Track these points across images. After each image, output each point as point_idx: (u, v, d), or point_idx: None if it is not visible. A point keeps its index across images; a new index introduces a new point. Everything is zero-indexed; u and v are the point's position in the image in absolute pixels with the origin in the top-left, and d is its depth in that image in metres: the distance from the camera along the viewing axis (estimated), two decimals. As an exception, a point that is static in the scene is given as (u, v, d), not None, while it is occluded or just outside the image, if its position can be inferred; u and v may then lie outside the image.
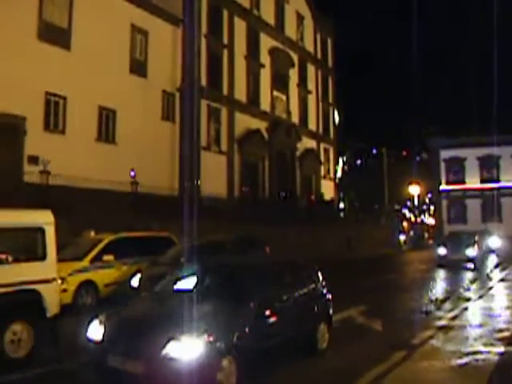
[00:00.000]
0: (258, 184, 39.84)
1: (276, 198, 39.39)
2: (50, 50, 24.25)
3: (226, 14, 37.43)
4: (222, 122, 36.29)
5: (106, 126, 27.34)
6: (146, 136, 28.72)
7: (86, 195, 21.55)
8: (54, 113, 24.44)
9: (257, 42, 40.97)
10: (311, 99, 49.58)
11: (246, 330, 7.77)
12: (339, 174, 59.28)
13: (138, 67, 29.82)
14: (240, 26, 38.78)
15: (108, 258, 14.65)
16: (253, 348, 7.85)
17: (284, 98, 44.55)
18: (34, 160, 21.98)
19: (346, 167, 71.84)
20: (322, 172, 50.49)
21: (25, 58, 22.66)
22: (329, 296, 10.53)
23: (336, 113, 55.57)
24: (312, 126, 49.53)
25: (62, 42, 25.10)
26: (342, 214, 52.07)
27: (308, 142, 47.68)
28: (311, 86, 49.55)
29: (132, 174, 26.10)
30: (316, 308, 9.95)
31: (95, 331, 7.82)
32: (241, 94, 38.53)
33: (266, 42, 42.15)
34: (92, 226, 16.65)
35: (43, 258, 9.83)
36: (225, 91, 36.81)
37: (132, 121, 28.12)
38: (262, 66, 41.38)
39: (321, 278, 10.51)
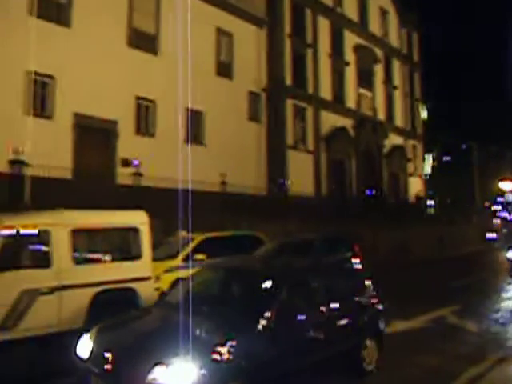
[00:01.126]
0: (345, 182, 39.49)
1: (363, 196, 38.91)
2: (139, 56, 24.95)
3: (309, 13, 37.32)
4: (308, 120, 36.18)
5: (195, 127, 27.86)
6: (233, 137, 29.09)
7: (177, 196, 21.95)
8: (144, 116, 25.15)
9: (341, 40, 40.60)
10: (397, 95, 48.68)
11: (261, 349, 6.73)
12: (428, 171, 57.91)
13: (224, 69, 30.21)
14: (323, 24, 38.56)
15: (200, 256, 14.85)
16: (272, 373, 6.81)
17: (369, 94, 43.96)
18: (125, 162, 22.71)
19: (434, 164, 70.06)
20: (410, 169, 49.47)
21: (116, 65, 23.47)
22: (379, 307, 9.22)
23: (423, 108, 54.34)
24: (399, 122, 48.63)
25: (150, 47, 25.80)
26: (431, 212, 50.85)
27: (395, 139, 46.82)
28: (397, 81, 48.66)
29: (225, 174, 26.40)
30: (361, 321, 8.68)
31: (83, 347, 7.18)
32: (326, 92, 38.31)
33: (350, 39, 41.71)
34: (182, 225, 16.95)
35: (139, 256, 10.15)
36: (310, 90, 36.70)
37: (219, 122, 28.53)
38: (347, 63, 41.00)
39: (370, 286, 9.22)
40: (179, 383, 6.01)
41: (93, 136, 22.58)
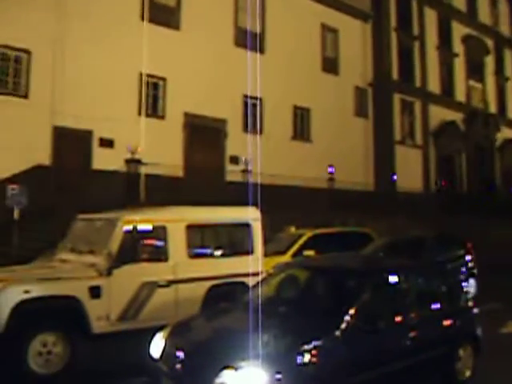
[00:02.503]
0: (455, 177, 38.36)
1: (475, 192, 37.61)
2: (246, 55, 25.30)
3: (415, 5, 36.49)
4: (416, 115, 35.43)
5: (301, 124, 28.02)
6: (339, 133, 28.97)
7: (285, 192, 22.18)
8: (252, 114, 25.52)
9: (448, 31, 39.39)
10: (510, 86, 46.63)
11: (341, 353, 6.24)
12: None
13: (330, 65, 30.16)
14: (430, 15, 37.56)
15: (308, 253, 14.85)
16: (352, 379, 6.33)
17: (480, 86, 42.42)
18: (234, 160, 23.19)
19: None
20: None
21: (223, 64, 23.98)
22: (475, 310, 8.44)
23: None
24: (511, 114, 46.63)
25: (257, 46, 26.12)
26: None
27: (508, 132, 44.92)
28: (509, 72, 46.63)
29: (330, 170, 26.41)
30: (454, 327, 7.87)
31: (156, 347, 6.98)
32: (434, 85, 37.33)
33: (459, 30, 40.35)
34: (291, 222, 17.08)
35: (251, 252, 10.35)
36: (417, 83, 35.91)
37: (326, 118, 28.50)
38: (455, 55, 39.75)
39: (473, 286, 8.67)
40: None
41: (203, 134, 23.21)
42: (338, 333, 6.36)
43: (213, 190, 18.83)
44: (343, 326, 6.42)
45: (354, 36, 31.90)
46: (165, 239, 9.61)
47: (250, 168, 22.12)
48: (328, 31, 30.36)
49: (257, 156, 22.72)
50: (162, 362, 6.68)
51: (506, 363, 8.87)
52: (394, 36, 34.29)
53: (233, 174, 22.23)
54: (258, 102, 25.63)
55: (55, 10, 19.73)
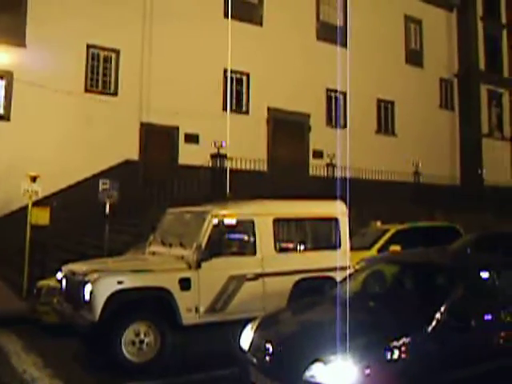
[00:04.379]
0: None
1: None
2: (328, 48, 25.17)
3: (503, -9, 35.30)
4: (504, 106, 34.24)
5: (385, 118, 27.65)
6: (424, 126, 28.43)
7: (369, 187, 21.94)
8: (335, 108, 25.41)
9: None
10: None
11: (432, 351, 6.08)
12: None
13: (414, 57, 29.61)
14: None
15: (394, 247, 14.64)
16: (441, 379, 6.15)
17: None
18: (318, 154, 23.15)
19: None
20: None
21: (306, 59, 23.97)
22: None
23: None
24: None
25: (339, 39, 25.93)
26: None
27: None
28: None
29: (418, 164, 25.98)
30: None
31: (245, 339, 6.98)
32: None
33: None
34: (375, 216, 16.90)
35: (338, 246, 10.31)
36: (505, 73, 34.68)
37: (410, 111, 28.03)
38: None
39: None
40: (337, 383, 5.62)
41: (286, 129, 23.30)
42: (428, 329, 6.23)
43: (296, 184, 18.82)
44: (434, 322, 6.28)
45: (439, 26, 31.16)
46: (252, 233, 9.70)
47: (334, 162, 22.04)
48: (412, 22, 29.79)
49: (340, 150, 22.61)
50: (251, 353, 6.71)
51: None
52: (480, 25, 33.23)
53: (316, 168, 22.16)
54: (342, 96, 25.48)
55: (142, 10, 20.29)
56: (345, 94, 25.50)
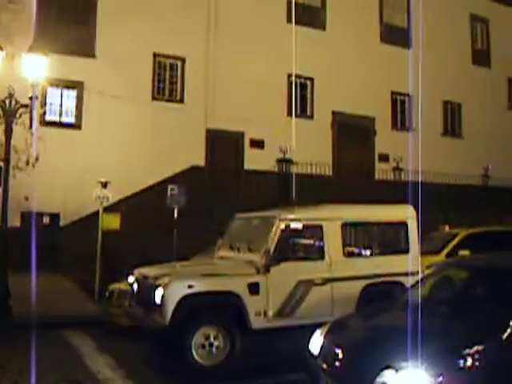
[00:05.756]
0: None
1: None
2: (392, 51, 24.90)
3: None
4: None
5: (452, 120, 27.14)
6: (492, 127, 27.73)
7: (436, 190, 21.56)
8: (400, 111, 25.11)
9: None
10: None
11: (507, 360, 5.82)
12: None
13: (481, 57, 29.01)
14: None
15: (464, 252, 14.34)
16: None
17: None
18: (384, 157, 22.93)
19: None
20: None
21: (370, 62, 23.79)
22: None
23: None
24: None
25: (403, 41, 25.64)
26: None
27: None
28: None
29: (488, 167, 25.40)
30: None
31: (315, 343, 6.90)
32: None
33: None
34: (443, 220, 16.60)
35: (407, 251, 10.19)
36: None
37: (477, 112, 27.45)
38: None
39: None
40: None
41: (351, 133, 23.19)
42: (503, 337, 6.03)
43: (362, 189, 18.69)
44: (509, 330, 6.06)
45: (506, 24, 30.32)
46: (321, 237, 9.69)
47: (400, 165, 21.77)
48: (478, 21, 29.21)
49: (407, 153, 22.31)
50: (321, 358, 6.67)
51: None
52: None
53: (382, 172, 21.95)
54: (407, 99, 25.16)
55: (206, 18, 20.57)
56: (410, 97, 25.20)
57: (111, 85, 18.85)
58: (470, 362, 5.75)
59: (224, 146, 20.72)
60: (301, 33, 21.64)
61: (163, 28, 19.75)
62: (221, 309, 8.86)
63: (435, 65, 25.86)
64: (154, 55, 20.30)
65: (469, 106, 27.50)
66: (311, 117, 22.80)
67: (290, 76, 21.94)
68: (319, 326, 7.36)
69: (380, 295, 9.25)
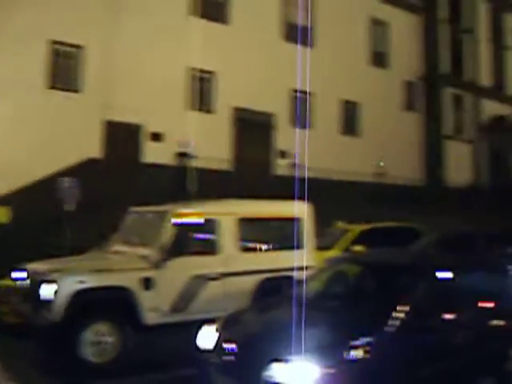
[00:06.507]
0: (507, 174, 37.46)
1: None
2: (295, 49, 25.18)
3: (466, -3, 35.81)
4: (467, 109, 34.75)
5: (350, 118, 27.82)
6: (388, 127, 28.60)
7: (333, 187, 22.11)
8: (300, 108, 25.46)
9: (500, 23, 38.48)
10: None
11: (393, 351, 6.15)
12: None
13: (379, 59, 29.87)
14: (482, 7, 36.71)
15: (358, 248, 14.72)
16: (403, 378, 6.23)
17: (533, 80, 41.37)
18: (283, 154, 23.18)
19: None
20: None
21: (272, 59, 23.94)
22: None
23: None
24: None
25: (306, 40, 26.01)
26: None
27: None
28: None
29: (379, 164, 26.22)
30: (507, 325, 7.42)
31: (205, 338, 7.00)
32: (485, 79, 36.56)
33: (511, 23, 39.42)
34: (339, 216, 16.95)
35: (302, 246, 10.33)
36: (468, 77, 35.23)
37: (374, 112, 28.23)
38: (507, 47, 38.83)
39: None
40: (297, 382, 5.59)
41: (251, 128, 23.25)
42: (389, 329, 6.30)
43: (261, 184, 18.89)
44: (395, 322, 6.35)
45: (404, 29, 31.41)
46: (216, 232, 9.69)
47: (297, 162, 22.07)
48: (377, 24, 30.02)
49: (305, 150, 22.66)
50: (214, 353, 6.69)
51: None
52: (444, 28, 33.67)
53: (281, 168, 22.23)
54: (306, 96, 25.56)
55: (107, 5, 19.99)
56: (310, 95, 25.61)
57: (2, 71, 17.92)
58: (358, 353, 5.93)
59: (123, 138, 20.21)
60: (204, 26, 21.51)
61: (60, 15, 19.02)
62: (113, 304, 8.69)
63: (335, 64, 26.43)
64: (50, 42, 19.47)
65: (366, 105, 28.23)
66: (212, 111, 22.67)
67: (191, 69, 21.75)
68: (210, 321, 7.37)
69: (275, 290, 9.35)
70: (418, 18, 32.33)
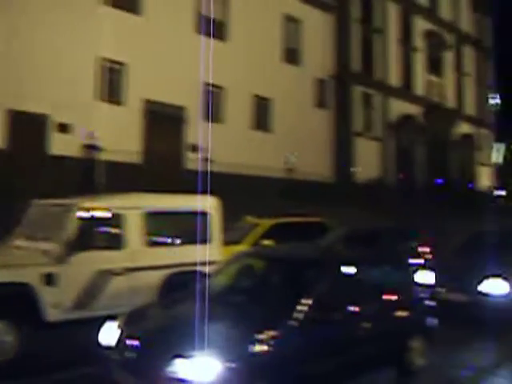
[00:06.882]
0: (413, 171, 38.83)
1: (432, 186, 38.18)
2: (208, 42, 25.04)
3: (378, -3, 36.74)
4: (376, 107, 35.72)
5: (261, 114, 27.94)
6: (299, 123, 28.99)
7: (243, 182, 22.17)
8: (212, 102, 25.37)
9: (410, 25, 39.77)
10: (468, 82, 47.36)
11: (295, 344, 6.23)
12: (499, 161, 56.21)
13: (292, 55, 30.15)
14: (392, 9, 37.85)
15: (267, 242, 14.83)
16: (305, 371, 6.32)
17: (439, 81, 43.01)
18: (194, 148, 23.01)
19: (507, 153, 67.71)
20: (480, 158, 48.17)
21: (185, 51, 23.71)
22: (428, 302, 8.56)
23: (495, 96, 52.69)
24: (469, 110, 47.34)
25: (219, 34, 25.95)
26: (500, 203, 49.28)
27: (464, 127, 45.67)
28: (468, 68, 47.35)
29: (289, 159, 26.46)
30: (407, 318, 8.02)
31: (107, 335, 6.91)
32: (394, 78, 37.71)
33: (420, 25, 40.76)
34: (249, 211, 17.03)
35: (209, 241, 10.31)
36: (378, 76, 36.21)
37: (286, 108, 28.52)
38: (416, 49, 40.19)
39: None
40: (199, 378, 5.59)
41: (162, 122, 22.95)
42: (292, 323, 6.39)
43: (172, 178, 18.72)
44: (298, 315, 6.45)
45: (317, 26, 31.86)
46: (122, 226, 9.51)
47: (208, 156, 21.98)
48: (290, 21, 30.27)
49: (215, 145, 22.62)
50: (116, 350, 6.60)
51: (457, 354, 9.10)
52: (356, 28, 34.44)
53: (192, 162, 22.08)
54: (219, 91, 25.52)
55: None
56: (222, 89, 25.58)
57: None
58: (261, 347, 6.00)
59: (28, 128, 19.52)
60: (116, 16, 21.05)
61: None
62: (11, 302, 8.32)
63: (248, 59, 26.50)
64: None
65: (278, 101, 28.44)
66: (122, 103, 22.21)
67: (102, 60, 21.20)
68: (114, 317, 7.25)
69: (181, 285, 9.27)
70: (330, 16, 32.82)
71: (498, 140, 56.47)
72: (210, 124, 24.32)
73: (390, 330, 7.63)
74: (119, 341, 6.67)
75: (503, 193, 52.66)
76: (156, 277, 9.65)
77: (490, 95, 51.57)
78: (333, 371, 6.78)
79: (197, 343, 5.76)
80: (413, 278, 10.97)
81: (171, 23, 23.41)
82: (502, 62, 53.70)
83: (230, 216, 16.62)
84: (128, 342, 6.47)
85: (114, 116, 20.44)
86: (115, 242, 9.54)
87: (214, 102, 25.42)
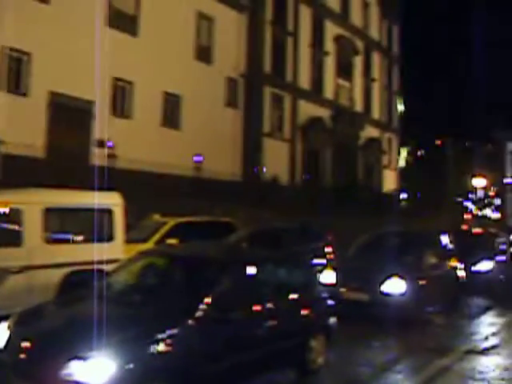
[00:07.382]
0: (320, 173, 39.54)
1: (338, 188, 38.99)
2: (118, 37, 24.58)
3: (290, 0, 37.12)
4: (286, 109, 36.13)
5: (171, 111, 27.69)
6: (209, 122, 28.94)
7: (150, 179, 21.89)
8: (121, 98, 24.91)
9: (321, 30, 40.50)
10: (375, 87, 48.77)
11: (194, 344, 6.23)
12: (402, 164, 58.27)
13: (204, 53, 30.00)
14: (305, 13, 38.37)
15: (171, 241, 14.72)
16: (205, 370, 6.29)
17: (348, 85, 44.01)
18: (100, 143, 22.46)
19: (409, 158, 70.40)
20: (385, 162, 49.70)
21: (94, 44, 23.07)
22: (329, 302, 8.78)
23: (400, 102, 54.57)
24: (376, 114, 48.76)
25: (130, 28, 25.51)
26: (403, 206, 51.12)
27: (371, 131, 46.96)
28: (376, 74, 48.74)
29: (197, 158, 26.36)
30: (309, 317, 8.15)
31: None
32: (304, 81, 38.28)
33: (331, 30, 41.57)
34: (155, 209, 16.86)
35: (111, 238, 10.12)
36: (288, 78, 36.64)
37: (196, 106, 28.37)
38: (327, 53, 40.97)
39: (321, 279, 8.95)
40: (95, 379, 5.47)
41: (68, 115, 22.27)
42: (191, 322, 6.35)
43: (76, 174, 18.22)
44: (197, 314, 6.41)
45: (230, 26, 31.90)
46: (19, 222, 9.17)
47: (114, 152, 21.58)
48: (203, 19, 30.11)
49: (122, 141, 22.23)
50: (6, 352, 6.30)
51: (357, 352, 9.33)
52: (268, 30, 34.66)
53: (98, 157, 21.56)
54: (128, 86, 25.09)
55: None
56: (131, 84, 25.16)
57: None
58: (160, 347, 5.93)
59: None
60: (20, 4, 20.17)
61: None
62: None
63: (159, 55, 26.18)
64: None
65: (188, 99, 28.24)
66: (25, 94, 21.37)
67: (4, 48, 20.32)
68: (4, 317, 6.96)
69: (82, 283, 9.04)
70: (243, 16, 32.92)
71: (403, 144, 58.57)
72: (117, 119, 23.89)
73: (291, 330, 7.72)
74: (8, 343, 6.38)
75: (405, 195, 54.67)
76: (55, 275, 9.38)
77: (397, 100, 53.33)
78: (233, 370, 6.76)
79: (94, 344, 5.61)
80: (318, 277, 11.17)
81: (81, 14, 22.69)
82: (408, 69, 55.83)
83: (137, 214, 16.45)
84: (20, 343, 6.17)
85: (15, 107, 19.63)
86: (13, 239, 9.20)
87: (123, 98, 25.00)
